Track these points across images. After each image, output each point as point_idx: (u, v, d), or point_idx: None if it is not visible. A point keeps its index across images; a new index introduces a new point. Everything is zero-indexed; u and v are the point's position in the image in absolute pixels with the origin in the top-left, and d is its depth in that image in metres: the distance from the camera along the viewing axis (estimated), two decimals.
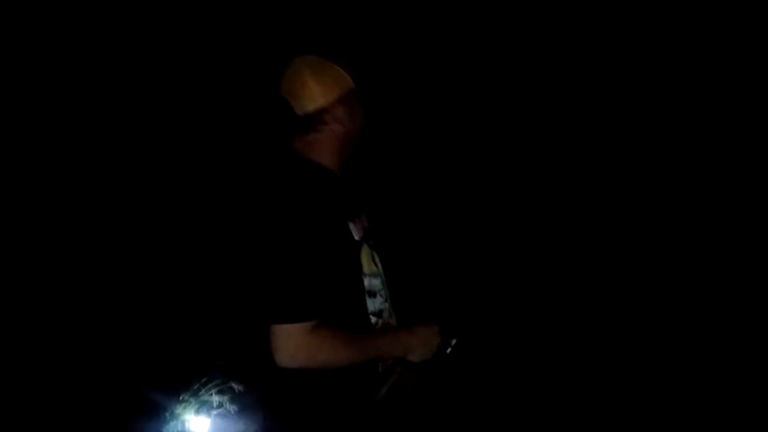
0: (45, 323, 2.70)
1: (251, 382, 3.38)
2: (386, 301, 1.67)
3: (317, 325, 1.44)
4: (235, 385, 3.15)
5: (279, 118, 1.58)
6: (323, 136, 1.59)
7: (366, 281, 1.59)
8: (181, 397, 2.91)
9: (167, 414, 2.77)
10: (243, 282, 1.60)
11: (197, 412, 2.88)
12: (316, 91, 1.55)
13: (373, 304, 1.61)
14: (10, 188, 2.86)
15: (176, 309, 2.99)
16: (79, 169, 3.09)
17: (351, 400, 1.56)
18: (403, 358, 1.61)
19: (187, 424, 2.83)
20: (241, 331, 3.25)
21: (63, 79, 3.08)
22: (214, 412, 2.96)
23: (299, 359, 1.44)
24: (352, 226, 1.59)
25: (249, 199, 1.61)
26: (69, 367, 2.62)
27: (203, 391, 3.00)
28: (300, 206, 1.47)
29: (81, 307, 2.75)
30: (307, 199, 1.48)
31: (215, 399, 3.05)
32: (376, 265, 1.65)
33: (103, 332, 2.75)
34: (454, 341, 1.66)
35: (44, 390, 2.54)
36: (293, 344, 1.43)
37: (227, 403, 3.10)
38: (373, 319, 1.60)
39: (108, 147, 3.15)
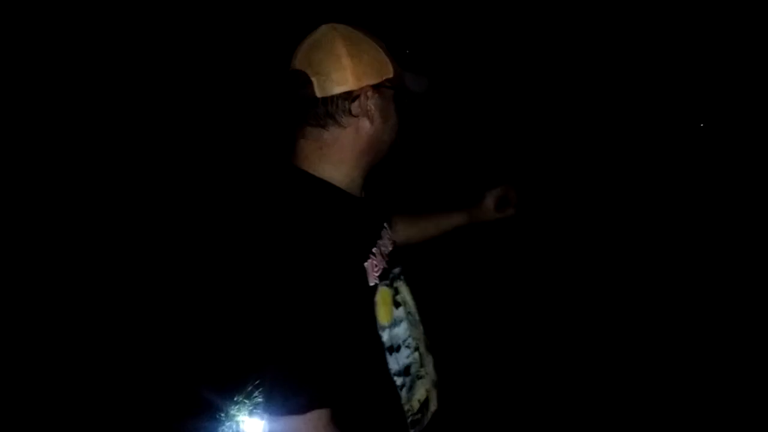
0: (97, 325, 2.87)
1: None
2: (416, 350, 1.36)
3: (328, 422, 1.14)
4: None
5: (286, 103, 1.20)
6: (343, 135, 1.22)
7: (385, 335, 1.28)
8: (235, 399, 3.02)
9: (222, 415, 2.87)
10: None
11: (251, 413, 2.96)
12: (348, 68, 1.17)
13: (396, 361, 1.30)
14: (10, 188, 2.97)
15: (231, 311, 3.08)
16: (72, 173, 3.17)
17: None
18: None
19: (241, 425, 2.92)
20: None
21: (60, 79, 3.14)
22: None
23: None
24: (368, 264, 1.26)
25: (239, 231, 1.25)
26: (127, 368, 2.81)
27: (257, 392, 3.09)
28: (305, 251, 1.12)
29: (138, 309, 2.91)
30: (315, 238, 1.13)
31: None
32: (397, 306, 1.33)
33: (160, 334, 2.90)
34: None
35: (100, 390, 2.74)
36: None
37: None
38: (399, 380, 1.30)
39: (102, 150, 3.20)
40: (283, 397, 1.13)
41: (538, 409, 2.90)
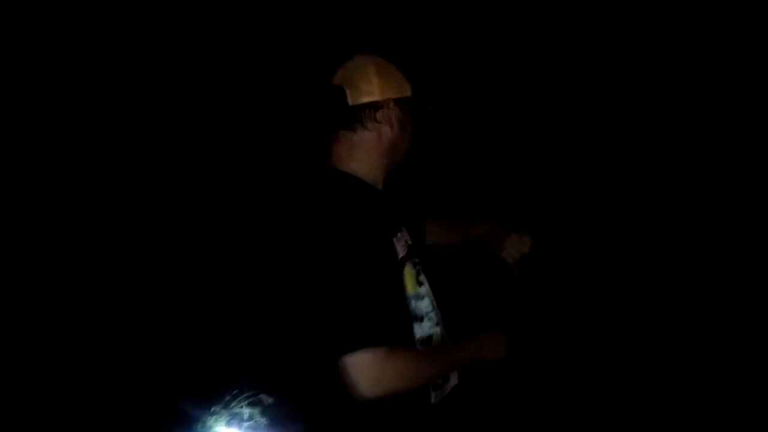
0: (76, 331, 2.81)
1: (282, 394, 3.44)
2: (437, 324, 1.58)
3: (390, 349, 1.34)
4: (265, 398, 3.20)
5: (325, 110, 1.51)
6: (368, 138, 1.51)
7: (411, 305, 1.51)
8: (212, 409, 2.98)
9: (198, 426, 2.83)
10: (289, 315, 1.51)
11: (228, 424, 2.93)
12: (375, 83, 1.49)
13: (420, 329, 1.52)
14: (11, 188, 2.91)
15: (208, 320, 3.06)
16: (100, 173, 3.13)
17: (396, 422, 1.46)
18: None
19: None
20: (272, 343, 3.30)
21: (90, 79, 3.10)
22: (245, 424, 3.00)
23: (380, 389, 1.34)
24: (395, 242, 1.51)
25: (285, 218, 1.54)
26: (100, 377, 2.75)
27: (234, 403, 3.05)
28: (343, 225, 1.38)
29: (112, 316, 2.86)
30: (350, 216, 1.40)
31: (246, 411, 3.11)
32: (420, 284, 1.56)
33: (134, 343, 2.86)
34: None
35: (73, 400, 2.67)
36: (370, 375, 1.31)
37: (258, 416, 3.15)
38: (420, 348, 1.51)
39: (120, 151, 3.18)
40: (354, 335, 1.33)
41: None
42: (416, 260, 1.59)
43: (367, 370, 1.33)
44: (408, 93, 1.54)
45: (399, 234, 1.55)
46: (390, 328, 1.37)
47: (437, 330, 1.58)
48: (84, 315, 2.81)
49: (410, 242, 1.59)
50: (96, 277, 2.89)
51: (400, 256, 1.50)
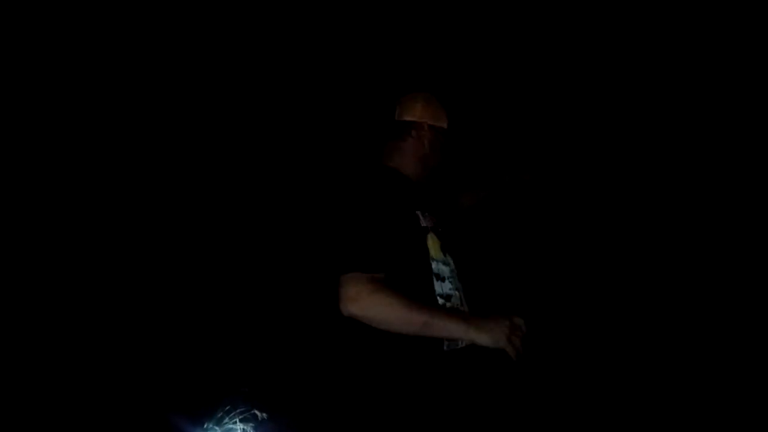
0: (70, 344, 2.78)
1: (275, 409, 3.44)
2: (457, 290, 1.74)
3: (383, 280, 1.53)
4: (258, 413, 3.21)
5: (378, 119, 1.93)
6: (406, 146, 1.86)
7: (434, 265, 1.69)
8: (205, 425, 2.98)
9: None
10: (312, 247, 1.79)
11: None
12: (419, 108, 1.90)
13: (441, 287, 1.69)
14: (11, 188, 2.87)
15: (202, 337, 3.06)
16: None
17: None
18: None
19: None
20: (266, 359, 3.30)
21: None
22: None
23: (360, 306, 1.51)
24: (419, 214, 1.73)
25: (325, 189, 1.90)
26: (95, 393, 2.73)
27: (227, 418, 3.06)
28: (370, 187, 1.68)
29: (109, 331, 2.84)
30: (377, 184, 1.70)
31: (239, 427, 3.12)
32: (445, 254, 1.75)
33: (127, 359, 2.84)
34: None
35: (66, 414, 2.65)
36: (356, 290, 1.50)
37: (251, 431, 3.16)
38: (441, 301, 1.67)
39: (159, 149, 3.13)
40: (352, 257, 1.54)
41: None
42: (442, 235, 1.80)
43: (353, 288, 1.51)
44: (443, 124, 1.92)
45: (425, 213, 1.77)
46: (391, 263, 1.56)
47: (456, 294, 1.74)
48: (79, 327, 2.79)
49: (436, 221, 1.83)
50: (92, 288, 2.87)
51: (424, 224, 1.73)
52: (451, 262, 1.79)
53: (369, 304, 1.52)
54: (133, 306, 2.94)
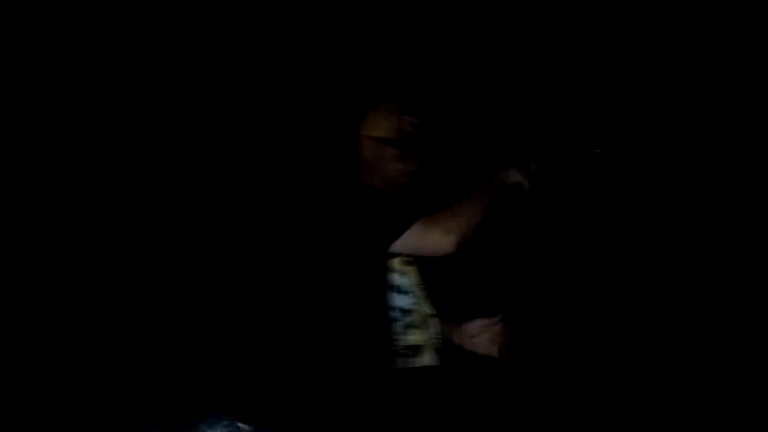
0: (52, 352, 2.94)
1: (259, 422, 3.23)
2: (418, 305, 1.77)
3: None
4: (242, 426, 3.06)
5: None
6: (364, 159, 1.89)
7: (393, 276, 1.73)
8: None
9: None
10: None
11: None
12: (369, 120, 1.92)
13: (399, 300, 1.73)
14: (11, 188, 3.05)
15: (184, 349, 3.10)
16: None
17: None
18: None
19: None
20: (250, 371, 3.19)
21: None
22: None
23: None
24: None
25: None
26: (75, 404, 2.87)
27: (209, 430, 2.99)
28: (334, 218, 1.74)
29: (89, 341, 2.97)
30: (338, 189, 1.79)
31: None
32: (410, 265, 1.78)
33: (109, 370, 2.96)
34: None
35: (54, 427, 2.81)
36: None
37: None
38: (395, 314, 1.71)
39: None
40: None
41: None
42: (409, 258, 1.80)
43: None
44: (391, 135, 1.90)
45: None
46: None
47: (417, 308, 1.78)
48: (62, 337, 2.98)
49: None
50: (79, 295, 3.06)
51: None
52: (417, 280, 1.81)
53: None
54: (114, 317, 3.11)
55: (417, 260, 1.83)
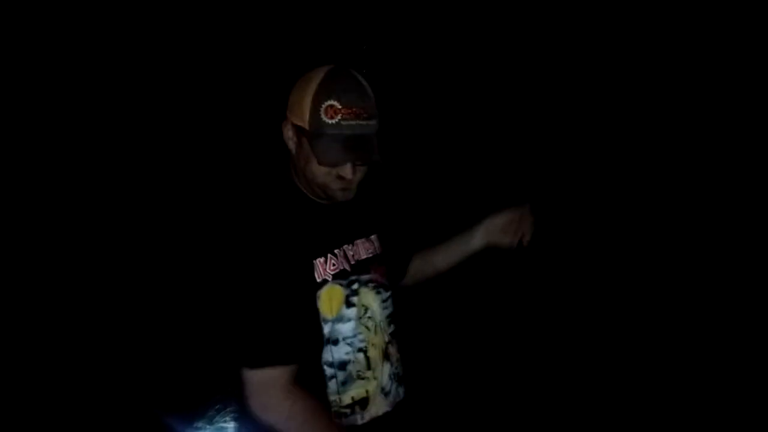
0: (64, 348, 2.97)
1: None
2: (360, 351, 1.48)
3: (292, 378, 1.36)
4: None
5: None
6: (291, 153, 1.46)
7: (327, 327, 1.43)
8: (196, 424, 2.93)
9: None
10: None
11: None
12: (289, 100, 1.43)
13: (331, 353, 1.44)
14: (11, 188, 3.10)
15: (192, 334, 3.01)
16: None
17: None
18: None
19: None
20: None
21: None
22: None
23: (263, 414, 1.36)
24: (319, 262, 1.44)
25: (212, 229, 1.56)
26: (85, 393, 2.89)
27: (218, 417, 2.96)
28: (244, 244, 1.38)
29: (99, 331, 2.97)
30: (254, 235, 1.38)
31: (230, 425, 2.97)
32: (351, 305, 1.48)
33: (119, 359, 2.95)
34: None
35: (59, 417, 2.85)
36: (256, 396, 1.36)
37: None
38: (329, 371, 1.44)
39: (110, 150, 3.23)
40: (243, 353, 1.36)
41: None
42: (363, 278, 1.51)
43: (254, 391, 1.36)
44: (305, 125, 1.37)
45: (341, 248, 1.49)
46: (288, 354, 1.36)
47: (357, 356, 1.47)
48: (68, 328, 2.99)
49: (366, 257, 1.54)
50: (78, 290, 3.06)
51: (321, 278, 1.43)
52: (366, 309, 1.50)
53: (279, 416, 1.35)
54: (122, 306, 3.06)
55: (360, 282, 1.50)
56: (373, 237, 1.59)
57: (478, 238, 1.73)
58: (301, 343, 1.38)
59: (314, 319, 1.41)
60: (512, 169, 3.73)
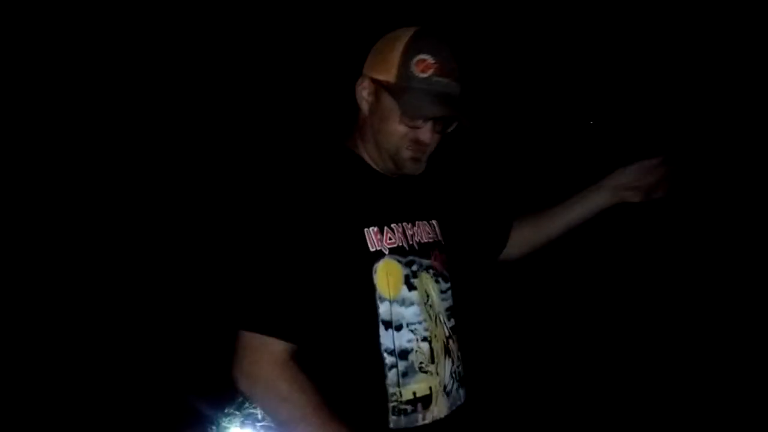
0: (89, 330, 2.98)
1: None
2: (425, 341, 1.36)
3: (290, 357, 1.25)
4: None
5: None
6: (361, 117, 1.39)
7: (384, 307, 1.31)
8: (226, 410, 2.93)
9: (213, 427, 2.83)
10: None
11: (242, 424, 2.88)
12: (369, 59, 1.37)
13: (392, 339, 1.32)
14: (11, 188, 3.10)
15: (221, 320, 3.01)
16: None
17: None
18: None
19: None
20: None
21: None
22: (259, 424, 2.90)
23: (253, 390, 1.29)
24: (373, 231, 1.33)
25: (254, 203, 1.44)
26: (115, 377, 2.90)
27: (248, 403, 2.95)
28: (276, 200, 1.31)
29: (126, 316, 2.98)
30: (291, 192, 1.31)
31: (260, 411, 2.97)
32: (413, 287, 1.36)
33: (148, 343, 2.95)
34: None
35: (87, 399, 2.86)
36: (242, 362, 1.27)
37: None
38: (389, 359, 1.31)
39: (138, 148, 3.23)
40: (240, 310, 1.27)
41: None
42: (425, 263, 1.39)
43: (241, 355, 1.26)
44: (391, 78, 1.30)
45: (400, 224, 1.37)
46: (302, 327, 1.25)
47: (421, 346, 1.34)
48: (96, 315, 3.00)
49: (427, 241, 1.42)
50: (103, 277, 3.06)
51: (375, 248, 1.31)
52: (422, 294, 1.37)
53: (258, 392, 1.27)
54: (153, 296, 3.05)
55: (421, 265, 1.38)
56: (434, 222, 1.50)
57: (604, 196, 1.61)
58: (330, 320, 1.28)
59: (369, 295, 1.31)
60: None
